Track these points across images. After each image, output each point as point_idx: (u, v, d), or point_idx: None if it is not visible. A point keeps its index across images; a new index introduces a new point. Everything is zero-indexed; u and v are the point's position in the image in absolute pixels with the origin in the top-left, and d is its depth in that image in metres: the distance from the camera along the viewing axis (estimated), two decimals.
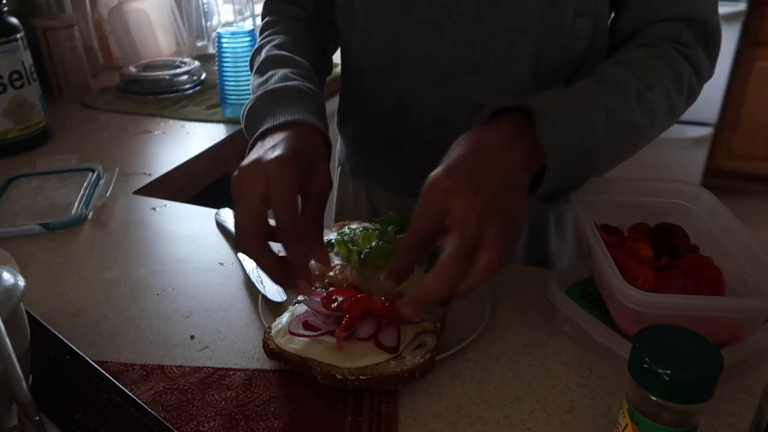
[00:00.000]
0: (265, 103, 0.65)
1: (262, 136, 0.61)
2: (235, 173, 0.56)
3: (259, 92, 0.68)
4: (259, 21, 1.98)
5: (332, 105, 0.92)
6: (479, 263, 0.49)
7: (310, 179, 0.57)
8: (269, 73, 0.71)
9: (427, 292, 0.51)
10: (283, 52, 0.75)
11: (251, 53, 0.81)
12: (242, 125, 0.68)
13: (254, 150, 0.59)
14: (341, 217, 0.98)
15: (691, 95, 0.69)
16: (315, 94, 0.68)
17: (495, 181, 0.51)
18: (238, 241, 0.56)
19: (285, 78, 0.69)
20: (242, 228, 0.55)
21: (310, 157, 0.58)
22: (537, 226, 0.85)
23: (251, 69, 0.78)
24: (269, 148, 0.57)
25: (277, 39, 0.79)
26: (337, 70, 0.87)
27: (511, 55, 0.72)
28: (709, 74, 0.71)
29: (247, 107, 0.68)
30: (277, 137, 0.59)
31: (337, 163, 0.98)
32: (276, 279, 0.57)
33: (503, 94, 0.74)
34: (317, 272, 0.68)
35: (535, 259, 0.87)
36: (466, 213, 0.49)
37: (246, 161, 0.57)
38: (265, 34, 0.82)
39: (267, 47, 0.77)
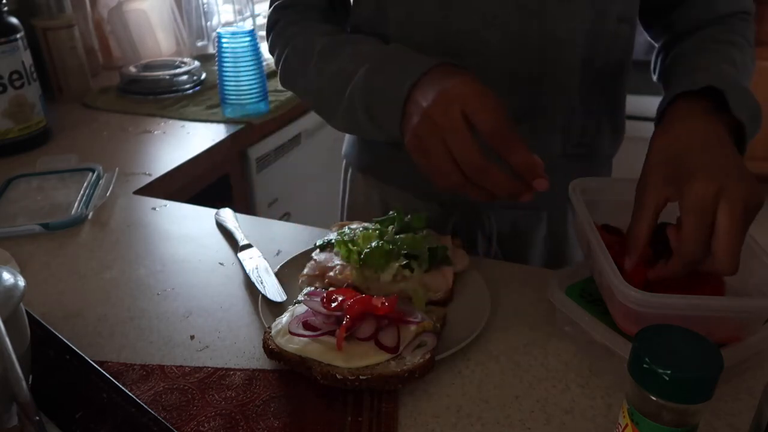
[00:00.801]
0: (388, 62, 0.63)
1: (412, 91, 0.59)
2: (416, 117, 0.55)
3: (366, 64, 0.65)
4: (258, 21, 1.99)
5: None
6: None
7: None
8: (349, 50, 0.68)
9: (728, 263, 0.51)
10: (342, 35, 0.73)
11: (284, 57, 0.78)
12: (356, 105, 0.65)
13: (420, 94, 0.57)
14: (351, 219, 0.98)
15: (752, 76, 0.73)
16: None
17: (736, 169, 0.54)
18: (445, 174, 0.54)
19: (376, 44, 0.67)
20: (459, 151, 0.53)
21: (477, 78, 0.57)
22: (556, 226, 0.86)
23: (285, 50, 0.76)
24: (437, 81, 0.56)
25: (317, 27, 0.76)
26: None
27: (558, 66, 0.73)
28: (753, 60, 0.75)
29: (359, 85, 0.64)
30: (434, 77, 0.57)
31: (344, 163, 0.97)
32: (515, 189, 0.55)
33: (543, 103, 0.75)
34: (317, 272, 0.68)
35: (553, 259, 0.87)
36: (736, 203, 0.51)
37: (419, 101, 0.56)
38: (291, 25, 0.78)
39: (318, 36, 0.74)
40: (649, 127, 0.64)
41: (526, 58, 0.72)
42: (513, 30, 0.70)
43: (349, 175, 0.96)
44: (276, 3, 0.83)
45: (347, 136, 0.94)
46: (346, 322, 0.56)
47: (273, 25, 0.82)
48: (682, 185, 0.53)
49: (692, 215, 0.52)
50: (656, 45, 0.80)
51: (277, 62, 0.80)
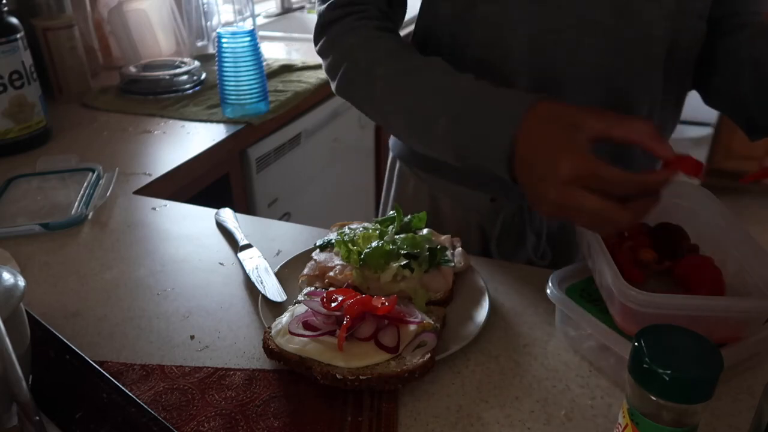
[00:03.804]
0: (472, 109, 0.61)
1: (520, 141, 0.57)
2: (555, 189, 0.53)
3: (449, 109, 0.62)
4: (259, 21, 1.98)
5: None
6: None
7: None
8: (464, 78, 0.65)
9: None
10: (404, 58, 0.69)
11: (350, 58, 0.72)
12: (450, 139, 0.62)
13: (530, 159, 0.56)
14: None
15: None
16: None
17: None
18: (606, 218, 0.53)
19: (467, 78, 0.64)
20: (605, 179, 0.52)
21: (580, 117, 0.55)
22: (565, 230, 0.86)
23: (363, 75, 0.71)
24: (545, 116, 0.56)
25: (377, 41, 0.72)
26: None
27: (645, 62, 0.73)
28: None
29: (445, 130, 0.62)
30: (535, 130, 0.56)
31: (391, 156, 0.95)
32: (654, 184, 0.54)
33: (630, 99, 0.74)
34: (317, 272, 0.68)
35: (562, 261, 0.86)
36: None
37: (548, 170, 0.54)
38: (350, 43, 0.73)
39: (395, 48, 0.70)
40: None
41: (617, 55, 0.71)
42: (605, 27, 0.70)
43: (396, 169, 0.94)
44: (330, 1, 0.76)
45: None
46: (347, 322, 0.56)
47: (327, 25, 0.76)
48: None
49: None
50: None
51: (329, 70, 0.76)
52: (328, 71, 0.76)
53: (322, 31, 0.76)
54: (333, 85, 0.76)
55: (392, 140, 0.94)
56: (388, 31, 0.74)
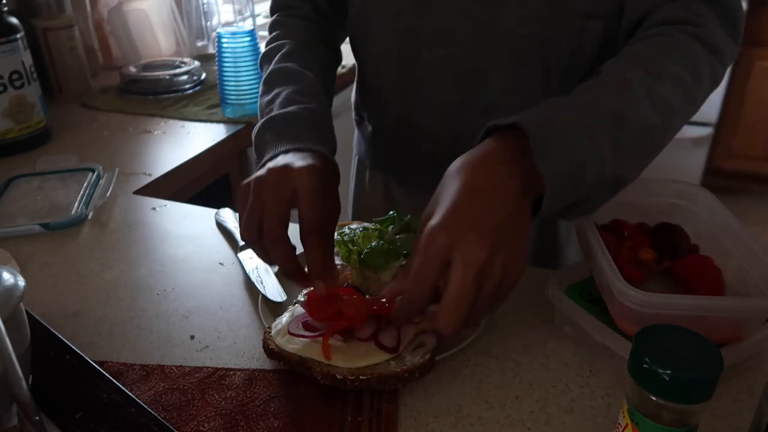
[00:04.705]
0: (277, 126, 0.66)
1: (277, 156, 0.61)
2: (261, 172, 0.57)
3: (266, 116, 0.69)
4: (258, 21, 1.98)
5: (344, 96, 0.92)
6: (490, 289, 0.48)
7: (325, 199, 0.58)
8: (276, 91, 0.72)
9: (443, 321, 0.49)
10: (290, 65, 0.76)
11: (260, 56, 0.82)
12: (252, 143, 0.69)
13: (274, 161, 0.60)
14: (358, 213, 0.98)
15: (714, 79, 0.64)
16: (323, 117, 0.69)
17: (492, 227, 0.48)
18: (249, 231, 0.56)
19: (289, 101, 0.69)
20: (268, 215, 0.55)
21: (328, 178, 0.60)
22: (545, 225, 0.86)
23: (262, 72, 0.79)
24: (296, 159, 0.58)
25: (286, 46, 0.79)
26: (350, 61, 0.89)
27: (520, 59, 0.72)
28: (733, 54, 0.66)
29: (256, 130, 0.68)
30: (298, 155, 0.60)
31: (355, 156, 0.98)
32: (290, 272, 0.57)
33: (513, 97, 0.75)
34: None
35: (543, 258, 0.87)
36: (469, 266, 0.47)
37: (271, 165, 0.58)
38: (274, 35, 0.83)
39: (277, 57, 0.78)
40: None
41: (490, 50, 0.73)
42: (481, 21, 0.71)
43: (357, 170, 0.97)
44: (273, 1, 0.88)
45: (356, 133, 0.96)
46: (328, 330, 0.56)
47: (273, 12, 0.87)
48: (426, 221, 0.50)
49: (417, 256, 0.49)
50: None
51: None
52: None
53: (270, 29, 0.86)
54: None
55: (355, 143, 0.98)
56: (316, 23, 0.84)
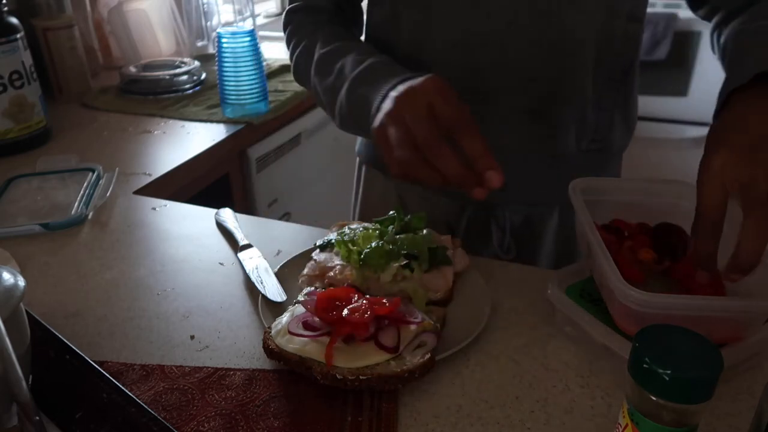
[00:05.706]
0: (368, 77, 0.67)
1: (387, 95, 0.61)
2: (387, 106, 0.58)
3: (348, 81, 0.69)
4: (258, 21, 1.98)
5: None
6: None
7: None
8: (338, 66, 0.72)
9: (748, 251, 0.50)
10: (334, 45, 0.76)
11: (293, 55, 0.83)
12: (346, 115, 0.69)
13: (395, 90, 0.60)
14: (366, 217, 0.98)
15: None
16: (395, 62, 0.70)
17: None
18: (404, 150, 0.55)
19: (358, 62, 0.70)
20: (418, 126, 0.55)
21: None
22: (564, 235, 0.86)
23: (302, 73, 0.80)
24: (411, 81, 0.59)
25: (320, 36, 0.79)
26: None
27: (573, 65, 0.74)
28: None
29: (344, 97, 0.68)
30: (408, 81, 0.60)
31: (358, 160, 0.98)
32: (460, 174, 0.54)
33: (558, 102, 0.77)
34: (317, 272, 0.68)
35: (563, 254, 0.88)
36: (753, 179, 0.50)
37: (393, 94, 0.59)
38: (301, 35, 0.82)
39: (317, 46, 0.77)
40: (652, 127, 0.64)
41: (542, 58, 0.74)
42: (529, 31, 0.72)
43: (363, 172, 0.97)
44: (289, 6, 0.87)
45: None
46: (332, 338, 0.55)
47: (285, 27, 0.87)
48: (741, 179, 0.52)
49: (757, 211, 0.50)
50: (710, 24, 0.79)
51: (291, 62, 0.86)
52: (292, 64, 0.85)
53: (284, 31, 0.87)
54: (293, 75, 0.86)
55: (358, 144, 0.98)
56: (336, 24, 0.83)
